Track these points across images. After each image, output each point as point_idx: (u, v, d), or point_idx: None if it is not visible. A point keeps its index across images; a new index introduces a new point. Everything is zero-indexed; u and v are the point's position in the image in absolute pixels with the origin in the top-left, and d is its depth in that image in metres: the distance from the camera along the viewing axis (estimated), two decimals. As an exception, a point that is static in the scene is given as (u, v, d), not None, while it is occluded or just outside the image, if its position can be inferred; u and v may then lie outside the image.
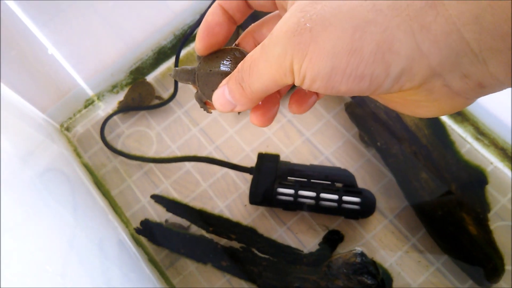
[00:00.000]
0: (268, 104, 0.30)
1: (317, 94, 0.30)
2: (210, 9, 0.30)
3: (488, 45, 0.21)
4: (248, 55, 0.27)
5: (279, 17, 0.28)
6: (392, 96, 0.26)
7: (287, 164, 0.69)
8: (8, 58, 0.65)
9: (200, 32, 0.30)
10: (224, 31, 0.30)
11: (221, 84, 0.29)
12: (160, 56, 0.80)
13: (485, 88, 0.22)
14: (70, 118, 0.79)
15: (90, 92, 0.78)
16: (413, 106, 0.25)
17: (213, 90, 0.29)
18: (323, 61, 0.23)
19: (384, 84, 0.23)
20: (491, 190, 0.66)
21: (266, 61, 0.25)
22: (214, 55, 0.31)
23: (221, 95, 0.28)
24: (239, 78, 0.27)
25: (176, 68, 0.32)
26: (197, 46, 0.31)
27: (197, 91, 0.31)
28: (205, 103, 0.33)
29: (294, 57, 0.24)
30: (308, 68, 0.23)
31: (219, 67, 0.30)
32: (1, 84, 0.64)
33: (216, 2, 0.30)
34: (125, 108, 0.77)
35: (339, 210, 0.65)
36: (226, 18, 0.30)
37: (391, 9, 0.22)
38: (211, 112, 0.34)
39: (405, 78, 0.22)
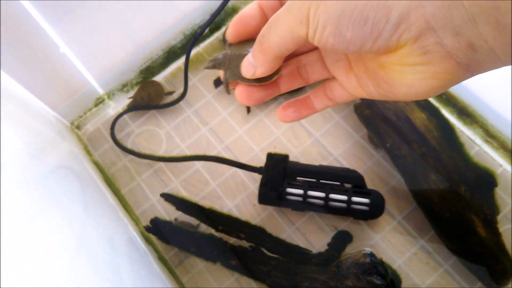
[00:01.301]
0: (300, 105, 0.35)
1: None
2: (249, 4, 0.33)
3: (476, 2, 0.22)
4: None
5: None
6: (391, 62, 0.27)
7: (296, 164, 0.69)
8: (21, 56, 0.65)
9: (234, 20, 0.33)
10: (255, 24, 0.33)
11: None
12: (170, 55, 0.81)
13: (476, 52, 0.24)
14: (81, 116, 0.79)
15: (101, 91, 0.79)
16: (409, 76, 0.26)
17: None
18: (335, 5, 0.25)
19: (384, 31, 0.25)
20: (500, 193, 0.66)
21: (287, 11, 0.28)
22: (244, 42, 0.34)
23: (246, 60, 0.32)
24: (260, 36, 0.30)
25: (210, 58, 0.35)
26: (229, 32, 0.34)
27: (226, 73, 0.34)
28: (229, 85, 0.36)
29: (311, 4, 0.26)
30: (321, 12, 0.25)
31: (248, 50, 0.33)
32: (14, 81, 0.64)
33: (255, 1, 0.33)
34: (134, 107, 0.78)
35: (348, 211, 0.65)
36: (260, 14, 0.33)
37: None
38: (229, 93, 0.37)
39: (403, 27, 0.24)
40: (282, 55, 0.30)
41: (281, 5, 0.32)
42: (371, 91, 0.31)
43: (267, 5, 0.33)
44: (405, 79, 0.27)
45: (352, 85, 0.33)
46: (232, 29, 0.33)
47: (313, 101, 0.35)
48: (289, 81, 0.35)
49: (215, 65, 0.35)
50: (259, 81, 0.33)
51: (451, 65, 0.25)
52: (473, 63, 0.24)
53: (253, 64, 0.31)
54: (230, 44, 0.34)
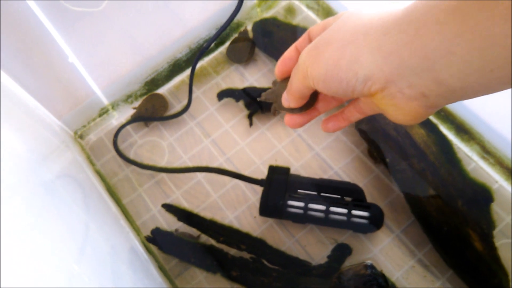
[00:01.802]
0: (337, 119, 0.44)
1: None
2: (289, 48, 0.42)
3: (418, 61, 0.29)
4: None
5: None
6: (373, 102, 0.35)
7: (298, 177, 0.70)
8: (30, 64, 0.66)
9: (278, 62, 0.43)
10: (293, 63, 0.41)
11: None
12: (175, 68, 0.82)
13: (428, 98, 0.30)
14: (84, 126, 0.80)
15: (105, 101, 0.80)
16: (389, 110, 0.34)
17: None
18: (320, 69, 0.35)
19: (356, 86, 0.33)
20: (495, 208, 0.68)
21: (297, 68, 0.39)
22: (287, 79, 0.43)
23: (283, 96, 0.43)
24: (289, 81, 0.41)
25: (263, 92, 0.45)
26: (275, 71, 0.43)
27: (274, 105, 0.45)
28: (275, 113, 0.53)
29: (308, 65, 0.36)
30: (313, 72, 0.35)
31: None
32: (21, 88, 0.65)
33: (293, 44, 0.42)
34: (138, 118, 0.79)
35: (348, 224, 0.66)
36: (296, 55, 0.41)
37: (363, 34, 0.32)
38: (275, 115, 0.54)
39: (370, 82, 0.32)
40: (303, 95, 0.40)
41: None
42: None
43: (301, 46, 0.41)
44: (389, 113, 0.34)
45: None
46: (277, 69, 0.43)
47: (348, 115, 0.43)
48: (326, 104, 0.44)
49: (267, 98, 0.45)
50: (299, 110, 0.43)
51: (415, 106, 0.32)
52: (431, 104, 0.31)
53: (286, 99, 0.42)
54: (276, 82, 0.44)
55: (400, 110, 0.33)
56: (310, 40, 0.40)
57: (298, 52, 0.41)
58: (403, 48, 0.29)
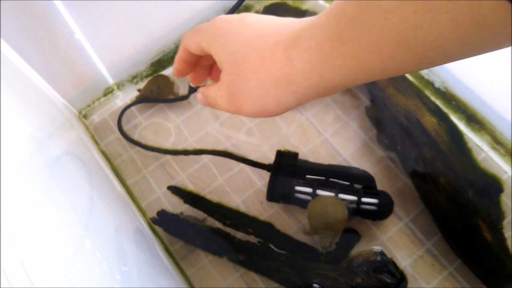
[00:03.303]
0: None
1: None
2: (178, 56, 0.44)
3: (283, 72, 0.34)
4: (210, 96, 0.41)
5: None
6: None
7: (306, 162, 0.69)
8: (36, 39, 0.64)
9: (175, 65, 0.44)
10: (187, 71, 0.44)
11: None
12: (182, 49, 0.81)
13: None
14: (89, 106, 0.78)
15: (111, 81, 0.78)
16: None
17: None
18: (251, 112, 0.37)
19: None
20: (504, 199, 0.67)
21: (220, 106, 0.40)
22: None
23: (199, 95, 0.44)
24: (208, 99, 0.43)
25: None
26: (174, 72, 0.45)
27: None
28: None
29: (233, 111, 0.38)
30: (244, 113, 0.37)
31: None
32: (27, 64, 0.64)
33: (178, 55, 0.43)
34: (144, 99, 0.77)
35: (357, 211, 0.65)
36: (187, 66, 0.44)
37: (268, 80, 0.35)
38: None
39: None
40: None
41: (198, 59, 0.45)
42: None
43: (185, 59, 0.43)
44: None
45: None
46: (175, 71, 0.45)
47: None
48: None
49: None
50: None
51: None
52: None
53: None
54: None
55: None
56: (190, 55, 0.42)
57: (187, 64, 0.43)
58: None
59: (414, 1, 0.25)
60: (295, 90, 0.34)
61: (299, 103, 0.36)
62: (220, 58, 0.37)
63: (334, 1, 0.31)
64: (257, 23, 0.36)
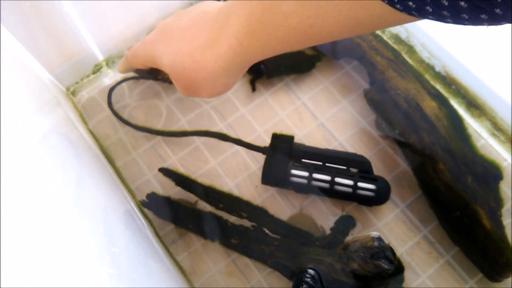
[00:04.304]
0: None
1: None
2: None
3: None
4: None
5: None
6: None
7: (302, 146, 0.67)
8: (22, 10, 0.61)
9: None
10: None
11: None
12: (175, 27, 0.78)
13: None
14: (77, 83, 0.75)
15: (100, 57, 0.75)
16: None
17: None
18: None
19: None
20: (503, 187, 0.66)
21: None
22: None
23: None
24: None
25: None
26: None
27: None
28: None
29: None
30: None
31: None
32: (12, 36, 0.60)
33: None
34: (136, 76, 0.74)
35: (353, 196, 0.64)
36: None
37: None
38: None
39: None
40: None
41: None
42: None
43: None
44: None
45: None
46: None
47: None
48: None
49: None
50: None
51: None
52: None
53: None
54: None
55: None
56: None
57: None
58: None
59: (308, 8, 0.33)
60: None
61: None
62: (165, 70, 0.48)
63: (240, 1, 0.38)
64: (184, 28, 0.46)
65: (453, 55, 0.71)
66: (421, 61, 0.74)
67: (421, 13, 0.28)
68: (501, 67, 0.66)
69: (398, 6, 0.28)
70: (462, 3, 0.25)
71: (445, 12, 0.27)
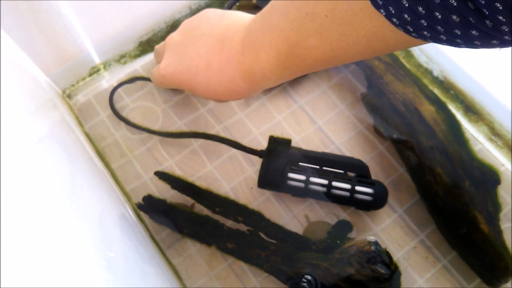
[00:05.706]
0: None
1: None
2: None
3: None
4: None
5: None
6: None
7: (299, 149, 0.67)
8: (19, 11, 0.61)
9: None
10: None
11: None
12: (173, 29, 0.77)
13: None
14: (73, 85, 0.75)
15: (97, 60, 0.75)
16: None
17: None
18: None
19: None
20: (501, 192, 0.66)
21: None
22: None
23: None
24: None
25: None
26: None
27: None
28: None
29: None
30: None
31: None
32: (9, 38, 0.60)
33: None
34: (137, 78, 0.74)
35: (351, 200, 0.63)
36: None
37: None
38: None
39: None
40: None
41: None
42: None
43: None
44: None
45: None
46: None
47: None
48: None
49: None
50: None
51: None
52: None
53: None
54: None
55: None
56: None
57: None
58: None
59: (330, 42, 0.37)
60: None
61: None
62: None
63: (263, 34, 0.43)
64: (206, 58, 0.51)
65: (451, 60, 0.71)
66: (419, 66, 0.74)
67: (435, 41, 0.31)
68: (499, 73, 0.66)
69: (414, 35, 0.31)
70: (474, 32, 0.27)
71: (459, 40, 0.29)
